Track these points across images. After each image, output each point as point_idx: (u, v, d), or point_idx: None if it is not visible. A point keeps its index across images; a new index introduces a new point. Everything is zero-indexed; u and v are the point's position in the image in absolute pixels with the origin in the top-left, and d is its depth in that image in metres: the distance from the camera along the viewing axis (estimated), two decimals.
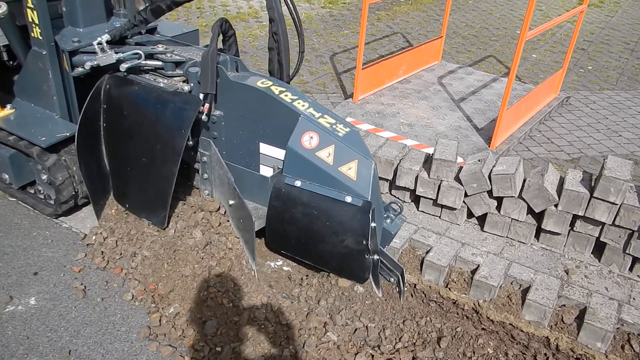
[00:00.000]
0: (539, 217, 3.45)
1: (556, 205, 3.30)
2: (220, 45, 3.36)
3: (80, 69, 3.31)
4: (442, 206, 3.65)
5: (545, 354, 3.05)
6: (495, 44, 8.21)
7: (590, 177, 3.37)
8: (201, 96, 3.05)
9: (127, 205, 3.50)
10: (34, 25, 3.29)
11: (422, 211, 3.77)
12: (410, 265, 3.39)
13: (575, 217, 3.32)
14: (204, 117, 3.07)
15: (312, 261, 3.14)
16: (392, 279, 3.27)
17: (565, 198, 3.24)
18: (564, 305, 3.09)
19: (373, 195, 2.81)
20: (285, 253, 3.32)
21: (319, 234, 2.90)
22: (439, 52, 6.57)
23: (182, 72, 3.26)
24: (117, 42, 3.41)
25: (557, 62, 7.55)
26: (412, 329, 3.01)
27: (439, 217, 3.72)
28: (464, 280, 3.28)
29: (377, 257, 2.95)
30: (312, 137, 2.86)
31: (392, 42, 7.88)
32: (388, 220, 3.25)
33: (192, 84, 3.15)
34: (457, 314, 3.29)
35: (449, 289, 3.30)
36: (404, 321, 3.07)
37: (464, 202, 3.57)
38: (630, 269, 3.29)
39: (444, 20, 6.39)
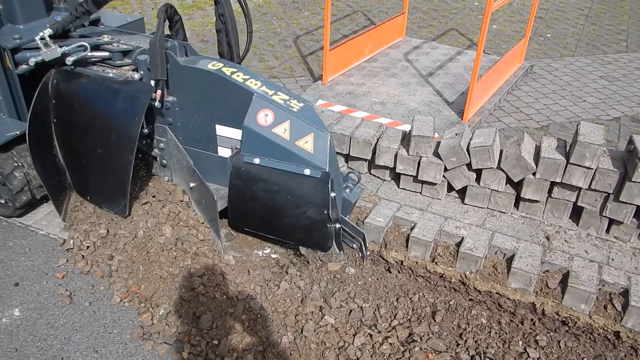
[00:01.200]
0: (517, 186, 3.52)
1: (534, 174, 3.37)
2: (168, 32, 3.33)
3: (24, 66, 3.25)
4: (423, 182, 3.69)
5: (532, 319, 3.14)
6: (455, 17, 8.28)
7: (564, 144, 3.45)
8: (152, 83, 3.05)
9: (88, 197, 3.48)
10: None
11: (403, 188, 3.80)
12: (396, 243, 3.42)
13: (552, 184, 3.40)
14: (157, 103, 3.07)
15: (276, 235, 3.19)
16: (355, 245, 3.33)
17: (542, 166, 3.31)
18: (548, 270, 3.18)
19: (331, 166, 2.89)
20: (249, 230, 3.33)
21: (281, 208, 2.96)
22: (402, 28, 6.57)
23: (130, 60, 3.24)
24: (61, 36, 3.33)
25: (517, 31, 7.67)
26: (406, 305, 3.06)
27: (420, 193, 3.76)
28: (450, 254, 3.34)
29: (339, 225, 3.03)
30: (267, 115, 2.90)
31: (353, 21, 7.85)
32: (347, 190, 3.33)
33: (142, 72, 3.15)
34: (445, 287, 3.35)
35: (436, 263, 3.35)
36: (397, 299, 3.11)
37: (443, 176, 3.62)
38: (607, 231, 3.40)
39: None
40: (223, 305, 2.88)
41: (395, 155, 3.66)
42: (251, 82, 2.99)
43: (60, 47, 3.13)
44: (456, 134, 3.60)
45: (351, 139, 3.80)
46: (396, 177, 3.84)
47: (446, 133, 3.70)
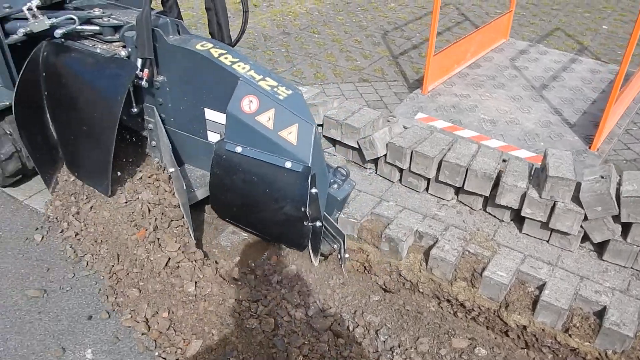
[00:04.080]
0: None
1: None
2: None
3: (14, 37, 3.21)
4: (553, 230, 3.12)
5: None
6: (558, 14, 7.45)
7: None
8: (140, 61, 2.95)
9: (76, 174, 3.44)
10: None
11: (527, 234, 3.23)
12: (520, 304, 2.89)
13: None
14: (144, 83, 2.97)
15: (253, 229, 3.12)
16: (335, 245, 3.13)
17: None
18: None
19: (315, 160, 2.73)
20: (230, 221, 3.22)
21: (259, 200, 2.87)
22: (507, 28, 5.88)
23: (119, 37, 3.16)
24: (54, 7, 3.30)
25: (629, 33, 6.79)
26: None
27: (547, 241, 3.19)
28: (589, 326, 2.78)
29: (319, 224, 2.86)
30: (251, 101, 2.77)
31: (445, 15, 7.17)
32: (335, 186, 3.13)
33: (129, 49, 3.06)
34: None
35: (570, 335, 2.80)
36: None
37: (581, 226, 3.03)
38: None
39: None
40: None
41: (523, 196, 3.10)
42: (239, 66, 2.84)
43: (49, 18, 3.05)
44: (601, 177, 3.00)
45: (468, 170, 3.26)
46: (516, 217, 3.29)
47: (587, 173, 3.10)
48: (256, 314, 2.67)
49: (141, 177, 3.32)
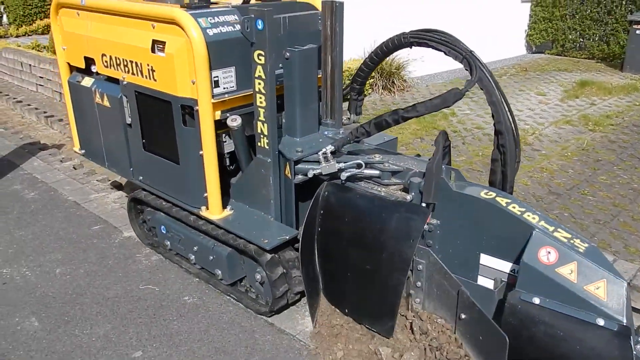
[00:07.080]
0: None
1: None
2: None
3: (301, 177, 3.44)
4: None
5: None
6: None
7: None
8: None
9: (345, 310, 3.45)
10: (262, 136, 3.44)
11: None
12: None
13: None
14: (425, 226, 3.04)
15: None
16: None
17: None
18: None
19: (628, 319, 2.48)
20: None
21: (567, 357, 2.58)
22: None
23: (400, 181, 3.26)
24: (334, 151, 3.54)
25: None
26: None
27: None
28: None
29: None
30: (549, 252, 2.68)
31: None
32: (638, 347, 2.70)
33: (413, 194, 3.11)
34: None
35: None
36: None
37: None
38: None
39: None
40: None
41: None
42: (529, 216, 2.82)
43: (338, 162, 3.26)
44: None
45: None
46: None
47: None
48: None
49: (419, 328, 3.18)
